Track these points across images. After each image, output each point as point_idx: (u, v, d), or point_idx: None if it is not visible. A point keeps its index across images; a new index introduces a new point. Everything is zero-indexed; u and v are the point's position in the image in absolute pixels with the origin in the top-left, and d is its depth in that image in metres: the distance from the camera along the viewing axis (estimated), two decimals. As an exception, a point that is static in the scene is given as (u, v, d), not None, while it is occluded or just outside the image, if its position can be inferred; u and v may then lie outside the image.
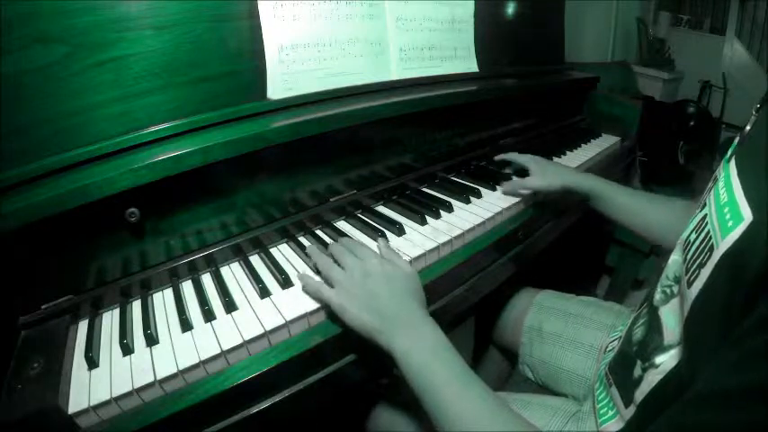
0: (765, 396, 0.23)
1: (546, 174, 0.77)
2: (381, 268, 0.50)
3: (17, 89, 0.50)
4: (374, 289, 0.48)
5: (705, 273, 0.34)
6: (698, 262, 0.35)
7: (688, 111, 2.32)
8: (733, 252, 0.31)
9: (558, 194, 0.76)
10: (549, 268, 1.03)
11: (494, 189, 0.83)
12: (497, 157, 0.89)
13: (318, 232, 0.68)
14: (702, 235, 0.37)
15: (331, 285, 0.51)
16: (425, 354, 0.43)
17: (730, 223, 0.33)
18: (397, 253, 0.58)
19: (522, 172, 0.83)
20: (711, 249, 0.34)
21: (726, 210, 0.34)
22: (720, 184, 0.38)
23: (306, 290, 0.53)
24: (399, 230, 0.66)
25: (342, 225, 0.71)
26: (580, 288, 1.29)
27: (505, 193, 0.80)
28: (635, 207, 0.70)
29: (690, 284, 0.35)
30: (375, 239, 0.65)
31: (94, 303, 0.54)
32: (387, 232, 0.66)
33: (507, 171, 0.90)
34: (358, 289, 0.49)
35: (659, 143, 2.15)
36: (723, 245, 0.32)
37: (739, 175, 0.36)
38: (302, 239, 0.67)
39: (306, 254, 0.60)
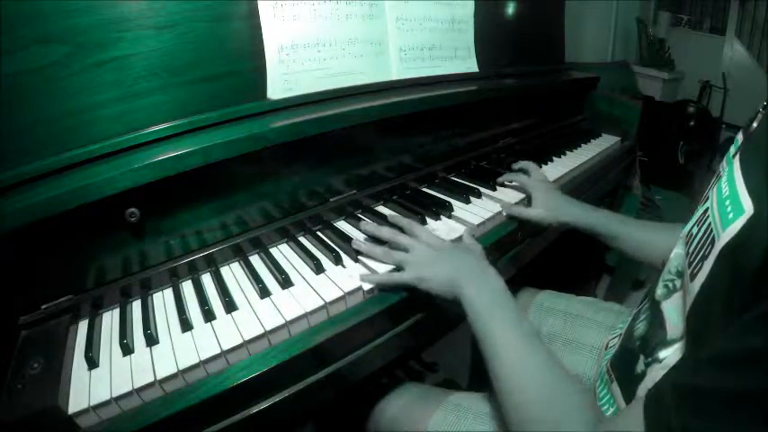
0: (763, 362, 0.24)
1: (547, 207, 0.73)
2: (435, 239, 0.58)
3: (18, 89, 0.50)
4: (440, 254, 0.55)
5: (707, 265, 0.34)
6: (700, 254, 0.36)
7: (688, 111, 2.32)
8: (734, 244, 0.31)
9: (550, 227, 0.75)
10: (548, 268, 1.03)
11: (494, 189, 0.83)
12: (500, 179, 0.84)
13: (318, 232, 0.68)
14: (704, 228, 0.37)
15: (401, 268, 0.56)
16: (486, 300, 0.49)
17: (731, 215, 0.33)
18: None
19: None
20: (713, 242, 0.34)
21: (727, 202, 0.34)
22: (723, 178, 0.38)
23: (376, 281, 0.56)
24: (399, 230, 0.66)
25: (342, 225, 0.71)
26: (580, 288, 1.29)
27: (509, 216, 0.77)
28: (642, 239, 0.68)
29: (693, 277, 0.36)
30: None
31: (94, 303, 0.54)
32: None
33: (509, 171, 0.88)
34: (428, 258, 0.55)
35: (659, 143, 2.15)
36: (724, 236, 0.32)
37: (742, 169, 0.36)
38: (302, 239, 0.67)
39: (361, 251, 0.61)
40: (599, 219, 0.72)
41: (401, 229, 0.62)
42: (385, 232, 0.60)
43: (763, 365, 0.25)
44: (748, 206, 0.31)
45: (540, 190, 0.76)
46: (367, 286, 0.56)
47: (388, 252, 0.58)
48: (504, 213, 0.76)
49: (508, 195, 0.81)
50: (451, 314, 0.66)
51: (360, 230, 0.66)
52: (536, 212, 0.73)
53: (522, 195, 0.80)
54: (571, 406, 0.39)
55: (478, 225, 0.70)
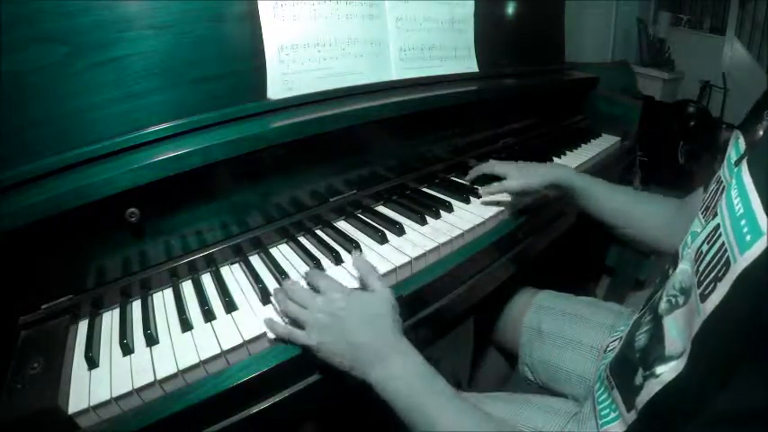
0: None
1: (523, 174, 0.73)
2: (347, 300, 0.48)
3: (18, 89, 0.50)
4: (342, 324, 0.47)
5: (723, 288, 0.33)
6: (712, 275, 0.34)
7: (688, 111, 2.32)
8: (753, 269, 0.30)
9: (540, 193, 0.73)
10: (549, 268, 1.03)
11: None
12: (470, 175, 0.83)
13: (318, 232, 0.68)
14: (716, 247, 0.35)
15: (301, 327, 0.48)
16: (399, 383, 0.43)
17: (748, 237, 0.32)
18: (372, 267, 0.53)
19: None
20: (728, 264, 0.33)
21: (743, 222, 0.33)
22: (734, 192, 0.36)
23: (277, 334, 0.49)
24: (399, 230, 0.66)
25: (342, 225, 0.71)
26: (580, 288, 1.29)
27: (485, 202, 0.77)
28: (620, 205, 0.68)
29: (704, 298, 0.34)
30: (377, 239, 0.65)
31: (94, 303, 0.54)
32: (387, 232, 0.66)
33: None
34: (325, 327, 0.47)
35: (659, 143, 2.14)
36: (742, 261, 0.31)
37: (756, 184, 0.34)
38: (302, 239, 0.67)
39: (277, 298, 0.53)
40: (578, 176, 0.71)
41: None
42: (297, 291, 0.51)
43: None
44: (764, 225, 0.30)
45: (515, 167, 0.76)
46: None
47: (286, 302, 0.50)
48: (487, 198, 0.76)
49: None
50: (451, 317, 0.66)
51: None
52: (516, 181, 0.72)
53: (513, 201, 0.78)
54: None
55: (479, 225, 0.70)
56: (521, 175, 0.73)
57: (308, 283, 0.53)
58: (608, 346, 0.63)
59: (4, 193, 0.49)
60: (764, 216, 0.31)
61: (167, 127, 0.58)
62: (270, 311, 0.52)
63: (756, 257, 0.30)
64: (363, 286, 0.53)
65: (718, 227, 0.37)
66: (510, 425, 0.40)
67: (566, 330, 0.73)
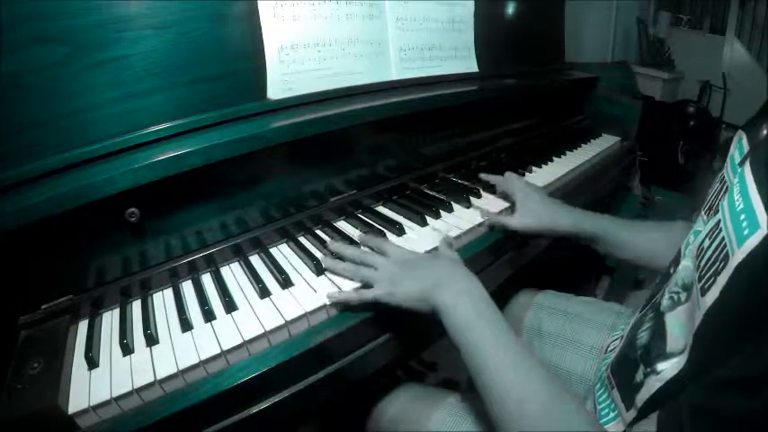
0: None
1: (528, 213, 0.69)
2: (406, 252, 0.56)
3: (17, 89, 0.50)
4: (412, 266, 0.53)
5: (721, 281, 0.33)
6: (713, 270, 0.35)
7: (688, 111, 2.32)
8: (750, 261, 0.31)
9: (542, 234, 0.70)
10: (549, 268, 1.03)
11: (493, 192, 0.83)
12: (483, 180, 0.83)
13: (318, 232, 0.68)
14: (717, 242, 0.36)
15: (369, 286, 0.53)
16: (468, 309, 0.46)
17: (746, 231, 0.32)
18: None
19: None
20: (727, 257, 0.33)
21: (742, 217, 0.34)
22: (736, 190, 0.37)
23: (348, 302, 0.53)
24: (399, 230, 0.66)
25: (342, 225, 0.71)
26: (580, 288, 1.29)
27: (485, 203, 0.76)
28: (639, 241, 0.66)
29: (704, 292, 0.35)
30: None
31: (94, 303, 0.54)
32: (386, 232, 0.66)
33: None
34: (397, 273, 0.52)
35: (659, 143, 2.14)
36: (740, 253, 0.32)
37: (756, 180, 0.35)
38: (302, 239, 0.67)
39: (329, 267, 0.58)
40: (588, 222, 0.67)
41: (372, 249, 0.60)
42: (349, 252, 0.58)
43: None
44: (764, 221, 0.31)
45: (522, 195, 0.71)
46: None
47: (354, 268, 0.55)
48: (486, 223, 0.71)
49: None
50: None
51: (326, 249, 0.62)
52: (520, 222, 0.68)
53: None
54: (569, 413, 0.39)
55: (479, 225, 0.70)
56: (524, 214, 0.69)
57: (367, 247, 0.60)
58: (608, 346, 0.63)
59: (5, 193, 0.49)
60: (764, 212, 0.31)
61: (167, 127, 0.58)
62: (270, 310, 0.52)
63: (752, 249, 0.31)
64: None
65: (719, 223, 0.37)
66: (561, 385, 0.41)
67: (566, 330, 0.73)
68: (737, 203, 0.35)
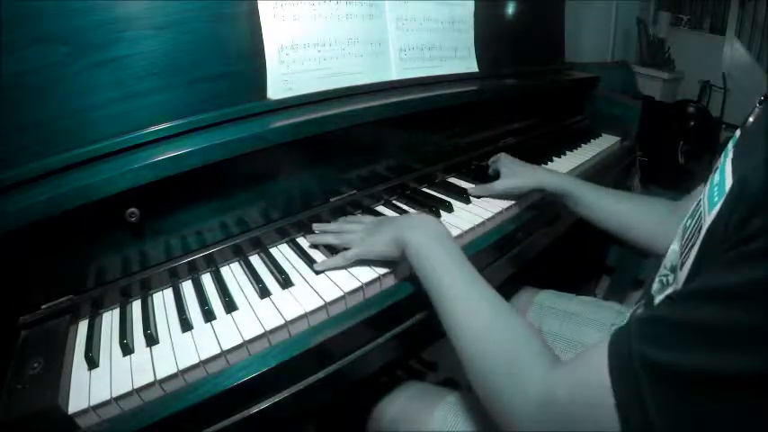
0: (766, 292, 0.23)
1: (515, 175, 0.77)
2: (380, 217, 0.63)
3: (17, 89, 0.50)
4: (386, 222, 0.59)
5: (693, 252, 0.34)
6: (690, 244, 0.36)
7: (688, 111, 2.32)
8: (716, 222, 0.32)
9: (527, 194, 0.77)
10: (549, 268, 1.03)
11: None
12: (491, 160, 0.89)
13: (318, 232, 0.68)
14: (696, 218, 0.38)
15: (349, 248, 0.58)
16: (431, 240, 0.51)
17: (716, 198, 0.33)
18: None
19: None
20: (701, 228, 0.34)
21: (716, 190, 0.35)
22: (717, 170, 0.39)
23: (332, 265, 0.58)
24: (399, 230, 0.66)
25: (342, 225, 0.71)
26: (580, 288, 1.29)
27: (485, 202, 0.78)
28: (611, 207, 0.69)
29: (682, 266, 0.36)
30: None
31: (94, 303, 0.54)
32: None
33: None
34: (372, 231, 0.58)
35: (659, 143, 2.15)
36: (708, 218, 0.33)
37: (733, 158, 0.37)
38: (302, 240, 0.67)
39: (314, 242, 0.65)
40: (567, 181, 0.74)
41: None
42: (332, 227, 0.65)
43: (734, 302, 0.25)
44: (729, 184, 0.32)
45: (507, 165, 0.80)
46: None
47: (336, 234, 0.62)
48: (475, 194, 0.79)
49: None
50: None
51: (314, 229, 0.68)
52: (506, 183, 0.77)
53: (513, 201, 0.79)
54: (514, 326, 0.41)
55: (479, 225, 0.70)
56: (511, 177, 0.77)
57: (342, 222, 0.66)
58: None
59: (5, 193, 0.49)
60: (731, 177, 0.33)
61: (167, 127, 0.58)
62: (270, 310, 0.52)
63: (718, 210, 0.32)
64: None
65: (699, 201, 0.39)
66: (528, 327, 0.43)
67: (566, 330, 0.73)
68: (715, 180, 0.37)
